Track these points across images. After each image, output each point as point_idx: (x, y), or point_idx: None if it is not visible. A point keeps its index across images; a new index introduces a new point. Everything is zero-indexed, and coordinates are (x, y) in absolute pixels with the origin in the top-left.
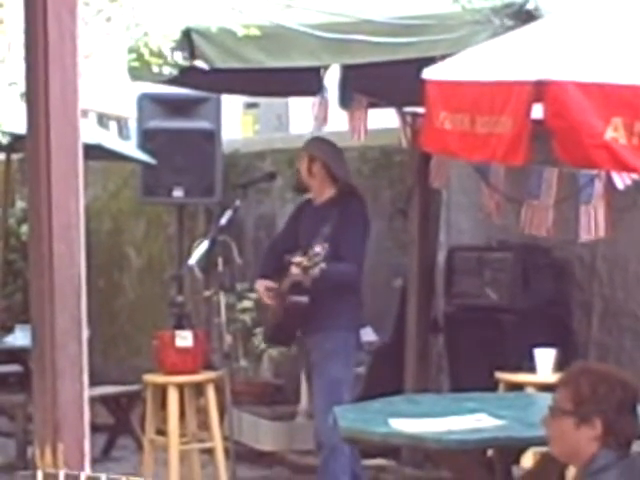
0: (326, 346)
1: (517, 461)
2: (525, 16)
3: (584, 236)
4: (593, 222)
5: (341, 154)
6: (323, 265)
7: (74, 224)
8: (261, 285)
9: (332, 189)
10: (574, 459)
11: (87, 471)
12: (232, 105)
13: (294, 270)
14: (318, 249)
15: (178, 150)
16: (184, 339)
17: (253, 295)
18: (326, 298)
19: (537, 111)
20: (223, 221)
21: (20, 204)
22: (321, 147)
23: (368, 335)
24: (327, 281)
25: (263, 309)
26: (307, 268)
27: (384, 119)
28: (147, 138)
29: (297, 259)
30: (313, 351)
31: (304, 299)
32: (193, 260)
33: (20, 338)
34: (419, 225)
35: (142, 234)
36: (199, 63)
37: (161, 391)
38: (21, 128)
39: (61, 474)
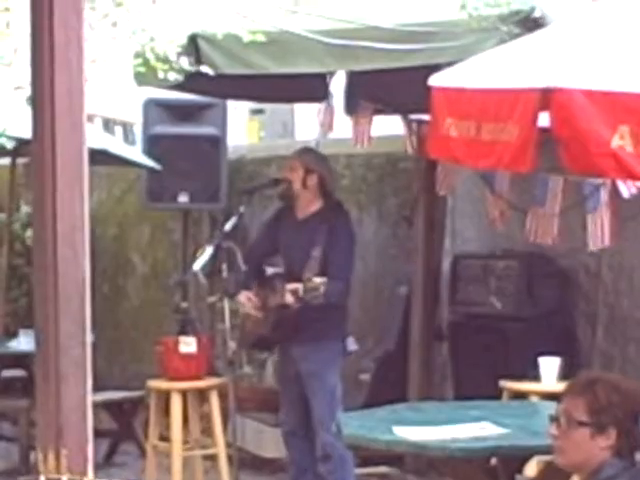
0: (323, 355)
1: (521, 470)
2: (532, 24)
3: (592, 245)
4: (600, 231)
5: (331, 168)
6: (322, 299)
7: (79, 228)
8: (244, 297)
9: (319, 202)
10: (582, 469)
11: (90, 476)
12: (238, 111)
13: (289, 299)
14: (318, 281)
15: (183, 156)
16: (188, 345)
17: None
18: (316, 312)
19: (543, 119)
20: (228, 227)
21: (25, 209)
22: (317, 160)
23: (351, 345)
24: (319, 305)
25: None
26: (303, 299)
27: (390, 126)
28: (152, 143)
29: (292, 286)
30: (305, 360)
31: (292, 313)
32: (197, 266)
33: (24, 343)
34: (424, 233)
35: (147, 240)
36: (205, 69)
37: (164, 397)
38: (26, 132)
39: (64, 479)
